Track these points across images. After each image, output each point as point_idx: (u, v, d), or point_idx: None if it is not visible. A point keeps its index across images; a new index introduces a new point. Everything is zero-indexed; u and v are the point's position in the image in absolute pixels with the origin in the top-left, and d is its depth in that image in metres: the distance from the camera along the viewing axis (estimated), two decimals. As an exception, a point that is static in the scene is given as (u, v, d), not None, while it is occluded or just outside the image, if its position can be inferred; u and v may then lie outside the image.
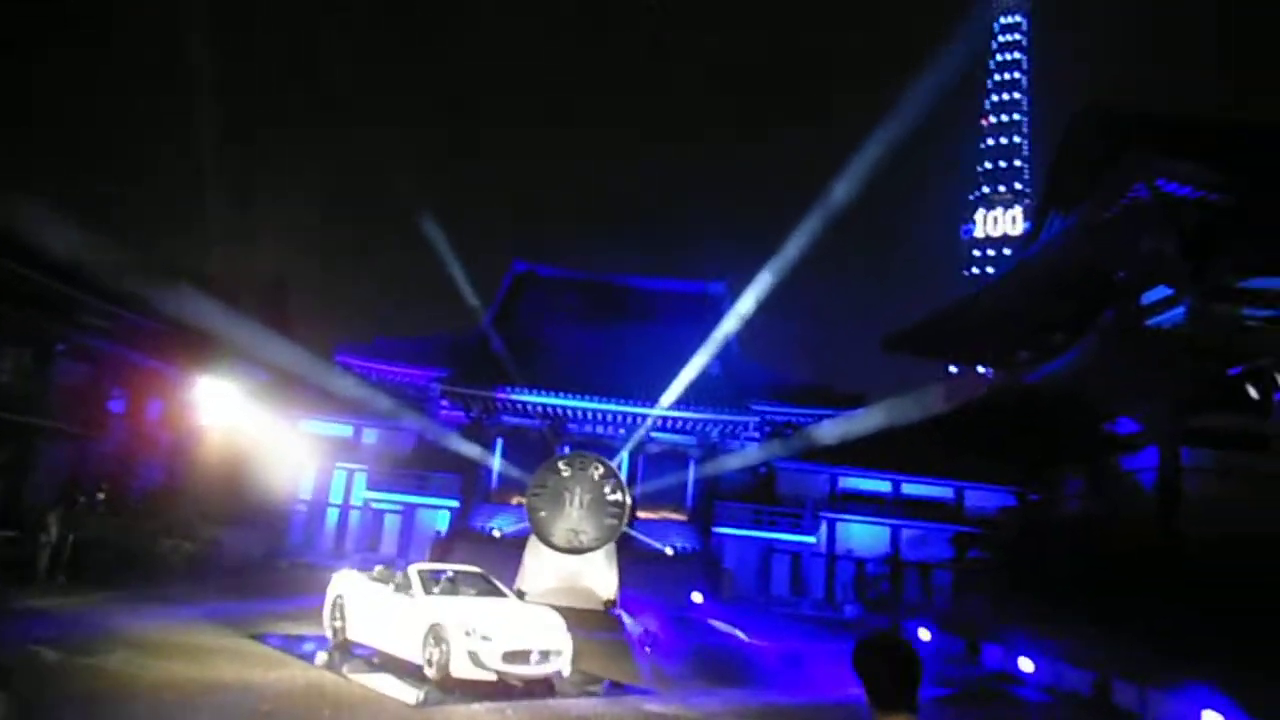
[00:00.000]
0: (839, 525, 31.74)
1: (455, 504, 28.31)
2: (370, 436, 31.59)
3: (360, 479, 30.19)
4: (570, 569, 21.74)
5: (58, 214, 17.96)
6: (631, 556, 26.31)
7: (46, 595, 13.80)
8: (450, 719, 8.49)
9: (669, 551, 27.76)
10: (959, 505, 31.83)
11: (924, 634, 20.08)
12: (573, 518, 22.02)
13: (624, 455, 26.13)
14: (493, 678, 9.76)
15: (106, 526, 18.94)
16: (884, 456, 33.80)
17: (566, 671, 10.54)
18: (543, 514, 22.05)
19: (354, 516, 30.49)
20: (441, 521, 29.19)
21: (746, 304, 31.58)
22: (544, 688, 10.21)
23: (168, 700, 8.10)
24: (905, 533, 31.54)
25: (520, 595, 21.25)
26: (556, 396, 27.56)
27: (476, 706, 9.06)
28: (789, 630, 21.47)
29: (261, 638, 11.91)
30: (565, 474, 22.34)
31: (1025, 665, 15.66)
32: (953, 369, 52.38)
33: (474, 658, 9.72)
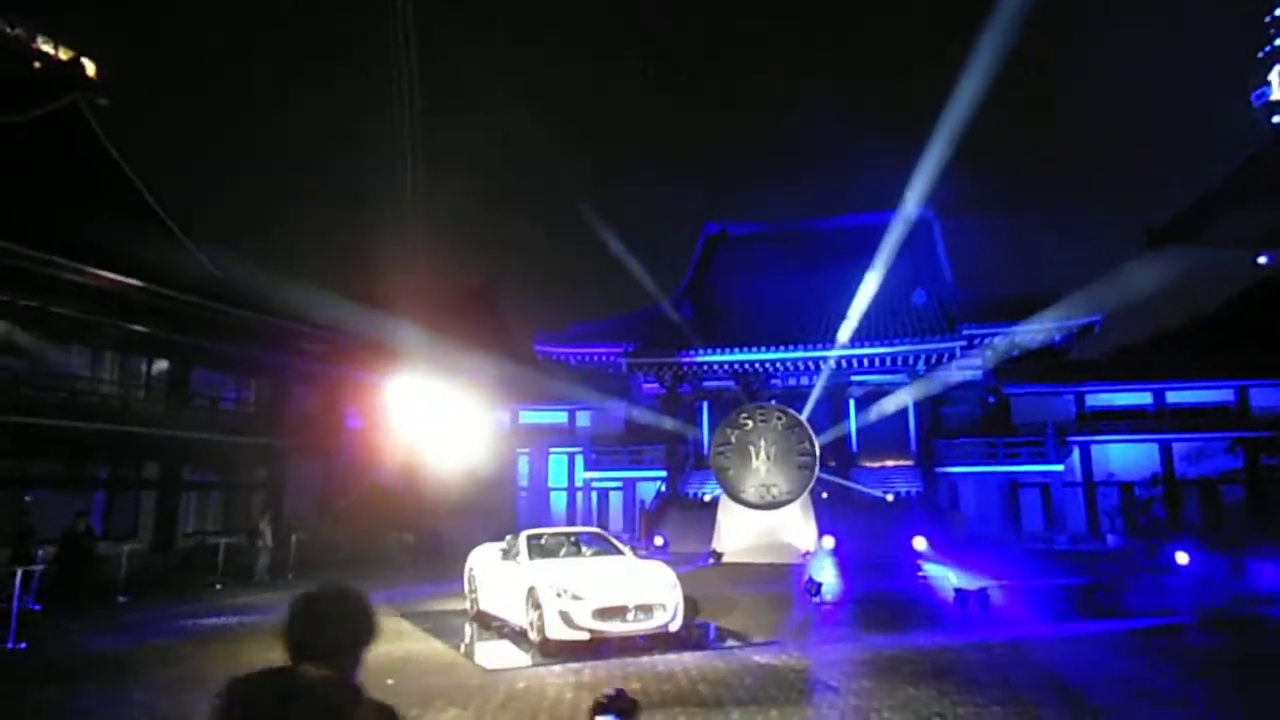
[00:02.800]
0: (1094, 448, 28.04)
1: (664, 474, 28.42)
2: (584, 419, 32.62)
3: (580, 461, 31.34)
4: (766, 525, 21.00)
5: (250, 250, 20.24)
6: (851, 507, 25.03)
7: (253, 591, 15.49)
8: (518, 681, 8.24)
9: (889, 499, 26.07)
10: (1243, 408, 26.91)
11: (1181, 557, 17.30)
12: (762, 472, 21.24)
13: (812, 401, 24.71)
14: (585, 636, 9.47)
15: (337, 529, 21.03)
16: (1139, 364, 29.56)
17: (674, 626, 9.98)
18: (731, 472, 21.49)
19: (579, 498, 31.61)
20: (661, 493, 29.51)
21: (959, 226, 28.75)
22: (644, 645, 9.74)
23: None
24: (1177, 447, 27.18)
25: (717, 557, 21.26)
26: (740, 352, 26.71)
27: (556, 667, 8.79)
28: (1023, 568, 19.26)
29: (413, 616, 12.46)
30: (748, 428, 21.61)
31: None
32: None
33: (565, 618, 9.50)
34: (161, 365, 20.81)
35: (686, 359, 27.08)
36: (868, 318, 28.56)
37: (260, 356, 22.51)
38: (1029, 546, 25.41)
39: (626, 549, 11.71)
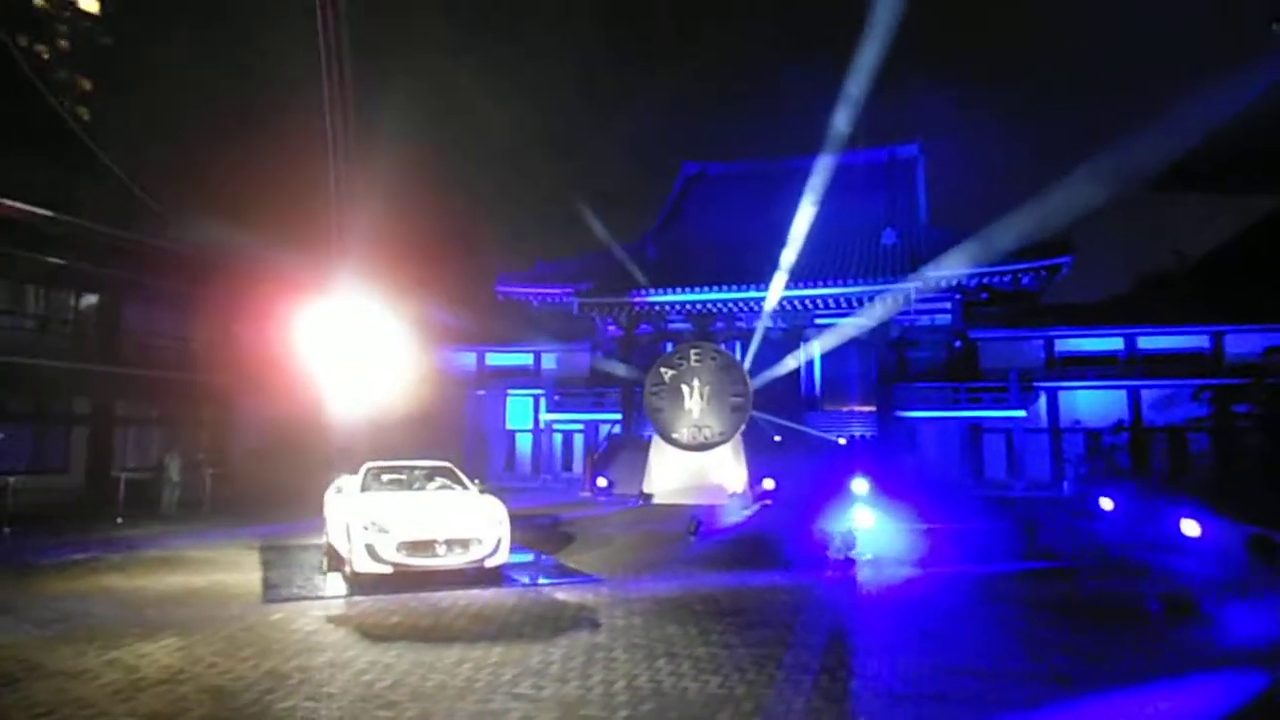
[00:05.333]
0: (1061, 395, 27.24)
1: (619, 416, 28.12)
2: (549, 362, 32.34)
3: (544, 404, 31.10)
4: (696, 466, 20.68)
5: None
6: (805, 451, 24.61)
7: (154, 525, 15.47)
8: (278, 614, 8.01)
9: (841, 442, 25.59)
10: (1217, 354, 25.93)
11: (1105, 502, 16.87)
12: (695, 413, 20.84)
13: (756, 341, 24.19)
14: (389, 570, 9.21)
15: (266, 468, 20.95)
16: (1112, 309, 28.57)
17: (494, 561, 9.70)
18: (664, 412, 21.11)
19: (549, 440, 31.43)
20: (623, 436, 29.24)
21: (942, 163, 27.74)
22: (456, 579, 9.47)
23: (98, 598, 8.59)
24: (1146, 394, 26.32)
25: (646, 498, 21.01)
26: (689, 292, 26.14)
27: (337, 601, 8.60)
28: (958, 513, 18.86)
29: (269, 549, 12.34)
30: (683, 368, 21.16)
31: (1190, 529, 12.35)
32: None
33: (371, 551, 9.26)
34: (91, 300, 20.70)
35: (639, 299, 26.58)
36: (832, 258, 27.82)
37: (183, 289, 22.07)
38: (983, 493, 24.92)
39: (473, 484, 11.39)
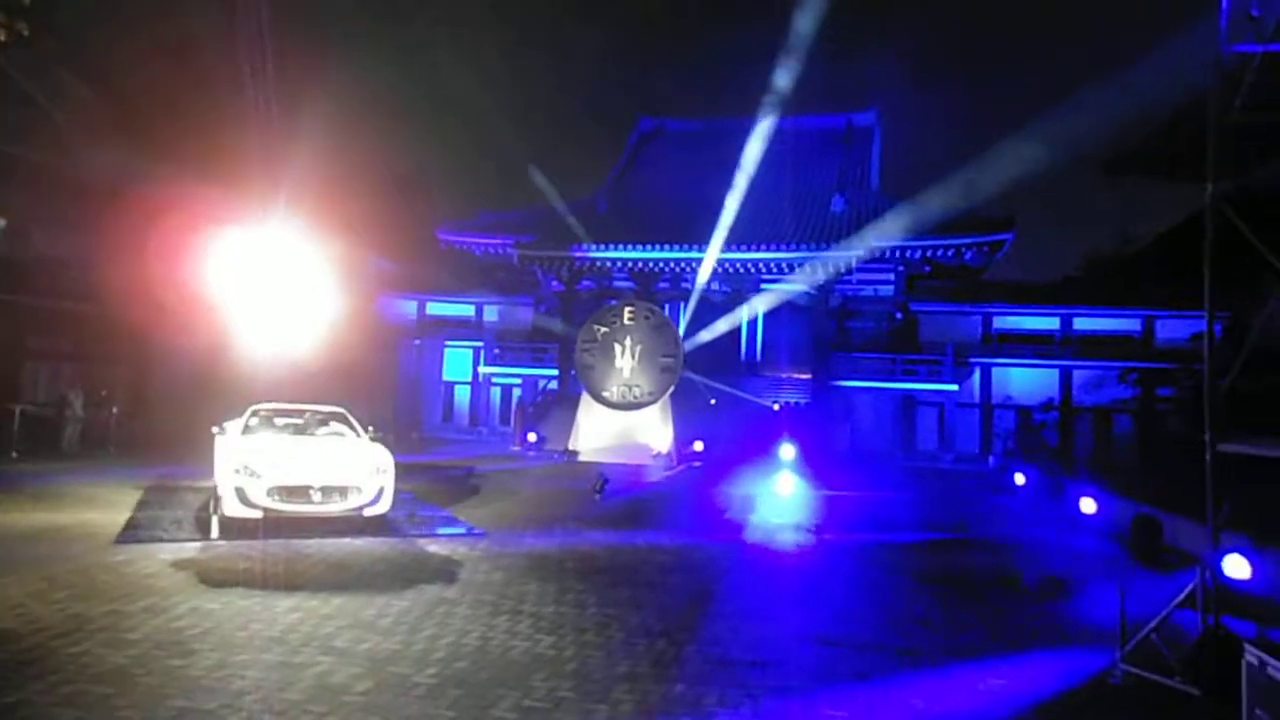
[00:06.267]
0: (995, 371, 27.49)
1: (556, 372, 27.80)
2: (491, 314, 31.84)
3: (484, 356, 30.64)
4: (624, 425, 20.54)
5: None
6: (738, 415, 24.54)
7: (51, 461, 14.93)
8: (120, 555, 7.65)
9: (775, 408, 25.59)
10: (1148, 339, 26.29)
11: (1019, 478, 17.08)
12: (625, 372, 20.62)
13: (693, 302, 23.98)
14: (258, 514, 8.87)
15: (176, 408, 20.26)
16: (1051, 289, 28.81)
17: (374, 511, 9.40)
18: (594, 370, 20.87)
19: (488, 393, 31.04)
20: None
21: (899, 134, 27.43)
22: (331, 527, 9.17)
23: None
24: (1078, 374, 26.67)
25: (572, 455, 20.83)
26: (630, 250, 25.76)
27: (192, 544, 8.27)
28: (876, 482, 18.99)
29: (154, 489, 11.96)
30: (615, 326, 20.90)
31: (1086, 506, 12.45)
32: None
33: (241, 494, 8.91)
34: (-2, 225, 19.73)
35: (580, 254, 26.12)
36: (780, 222, 27.55)
37: (97, 218, 21.02)
38: (912, 464, 25.18)
39: (364, 432, 11.03)
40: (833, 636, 6.23)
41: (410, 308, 31.85)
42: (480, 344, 30.35)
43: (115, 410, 17.65)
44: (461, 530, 9.88)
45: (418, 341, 30.90)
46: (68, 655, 4.87)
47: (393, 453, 10.02)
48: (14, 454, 15.67)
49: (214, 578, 6.90)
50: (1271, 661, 4.13)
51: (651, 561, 8.70)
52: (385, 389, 27.91)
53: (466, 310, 31.99)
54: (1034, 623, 6.96)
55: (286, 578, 7.04)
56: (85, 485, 12.18)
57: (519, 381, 30.39)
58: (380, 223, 31.52)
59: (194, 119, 26.86)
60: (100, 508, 10.14)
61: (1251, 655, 4.34)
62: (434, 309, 32.01)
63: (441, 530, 9.83)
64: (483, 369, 29.91)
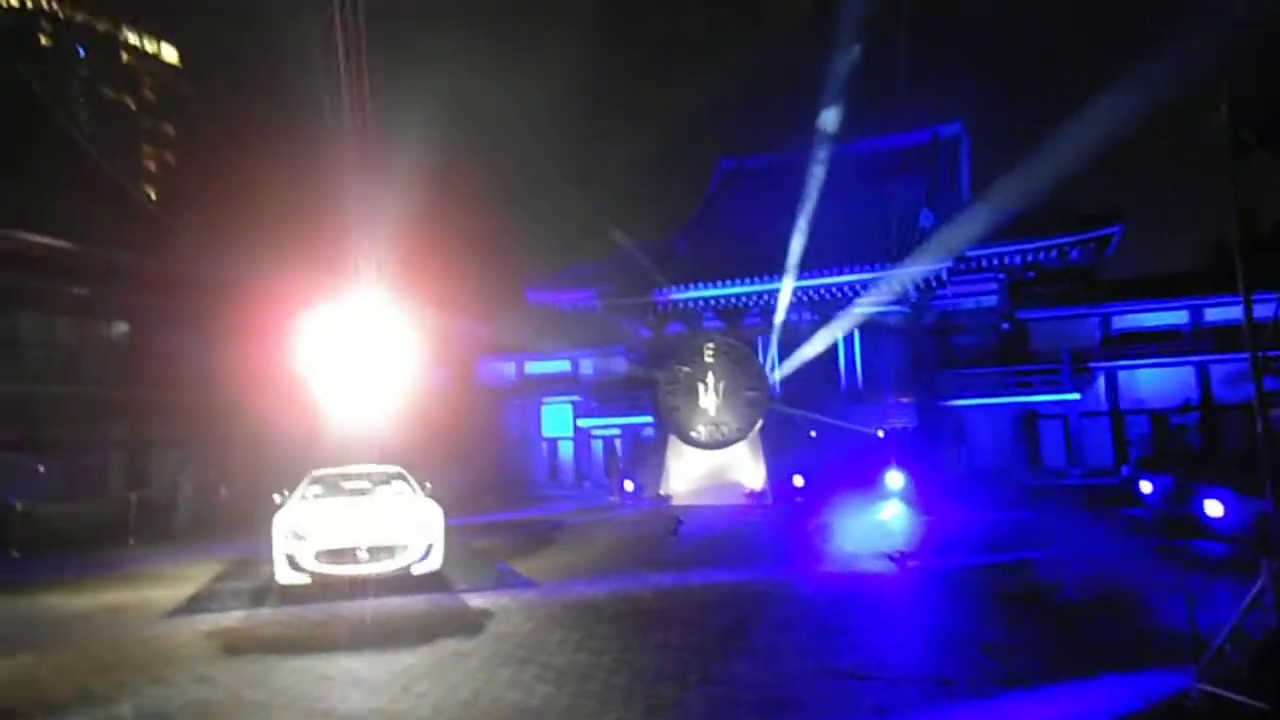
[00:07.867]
0: (1120, 374, 25.39)
1: (652, 419, 27.52)
2: (587, 367, 31.98)
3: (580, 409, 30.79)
4: (714, 464, 19.99)
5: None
6: (840, 445, 23.59)
7: (161, 546, 15.66)
8: (158, 630, 7.77)
9: (880, 435, 24.43)
10: (1293, 321, 23.69)
11: (1145, 486, 15.58)
12: (711, 410, 20.16)
13: (776, 335, 23.33)
14: (307, 580, 8.93)
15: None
16: (1173, 280, 26.52)
17: (424, 569, 9.29)
18: (679, 411, 20.51)
19: (589, 446, 31.09)
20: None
21: (990, 138, 26.39)
22: (382, 587, 9.11)
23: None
24: (1216, 370, 24.26)
25: (664, 500, 20.40)
26: (709, 288, 25.36)
27: (238, 613, 8.36)
28: (987, 502, 17.82)
29: (229, 562, 12.25)
30: (697, 365, 20.53)
31: (1212, 509, 11.13)
32: None
33: (291, 560, 8.99)
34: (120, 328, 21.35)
35: (661, 297, 25.94)
36: (864, 243, 26.65)
37: (204, 311, 22.26)
38: (1035, 483, 23.39)
39: (419, 489, 11.03)
40: (865, 668, 5.61)
41: (509, 369, 32.43)
42: (578, 397, 30.52)
43: (224, 491, 18.49)
44: (510, 583, 9.65)
45: (518, 401, 31.33)
46: (50, 728, 4.88)
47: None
48: (130, 540, 16.54)
49: (239, 646, 6.91)
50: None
51: (699, 601, 8.22)
52: (488, 450, 28.31)
53: (563, 366, 32.28)
54: (1109, 641, 6.09)
55: (309, 641, 6.98)
56: (172, 565, 12.51)
57: (618, 432, 30.28)
58: (475, 287, 32.47)
59: (293, 208, 28.53)
60: (170, 584, 10.42)
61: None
62: (532, 368, 32.45)
63: (491, 583, 9.63)
64: (580, 421, 30.00)
